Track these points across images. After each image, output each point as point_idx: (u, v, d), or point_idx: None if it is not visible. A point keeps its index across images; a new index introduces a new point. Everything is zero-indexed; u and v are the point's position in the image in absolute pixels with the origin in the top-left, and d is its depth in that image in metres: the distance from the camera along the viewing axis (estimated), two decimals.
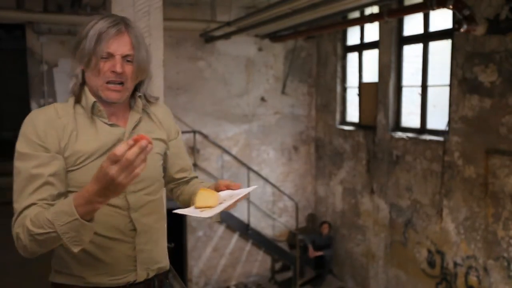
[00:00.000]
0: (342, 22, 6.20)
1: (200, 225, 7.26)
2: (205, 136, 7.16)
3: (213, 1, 6.18)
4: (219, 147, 7.22)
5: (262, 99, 7.62)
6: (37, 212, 1.19)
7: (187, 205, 1.51)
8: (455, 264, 5.15)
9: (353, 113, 7.20)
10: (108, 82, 1.31)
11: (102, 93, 1.32)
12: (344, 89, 7.37)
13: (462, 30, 4.28)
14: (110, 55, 1.29)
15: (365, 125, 6.69)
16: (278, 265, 7.87)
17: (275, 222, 7.78)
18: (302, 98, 7.89)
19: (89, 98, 1.34)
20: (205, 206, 1.27)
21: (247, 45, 7.35)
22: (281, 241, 7.79)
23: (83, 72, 1.35)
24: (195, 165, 6.96)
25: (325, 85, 7.68)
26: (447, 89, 5.21)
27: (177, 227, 7.04)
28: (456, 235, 5.11)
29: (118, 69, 1.29)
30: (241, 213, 7.15)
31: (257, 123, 7.62)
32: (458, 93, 4.99)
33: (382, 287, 6.39)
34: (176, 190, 1.62)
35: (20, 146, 1.29)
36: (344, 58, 7.31)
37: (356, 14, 6.29)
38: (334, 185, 7.52)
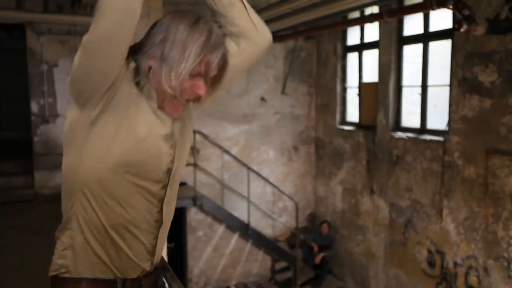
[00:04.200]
0: (342, 22, 6.20)
1: (200, 225, 7.27)
2: (205, 136, 7.15)
3: None
4: (219, 147, 7.22)
5: (262, 99, 7.62)
6: None
7: None
8: (455, 264, 5.15)
9: (353, 113, 7.20)
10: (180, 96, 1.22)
11: (167, 105, 1.24)
12: (344, 89, 7.37)
13: (462, 30, 4.28)
14: (200, 74, 1.21)
15: (365, 125, 6.69)
16: (278, 265, 7.87)
17: (275, 222, 7.78)
18: (302, 98, 7.89)
19: (154, 95, 1.24)
20: None
21: None
22: (281, 241, 7.79)
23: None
24: (195, 165, 6.96)
25: (325, 85, 7.68)
26: (447, 89, 5.21)
27: (177, 227, 7.04)
28: (456, 235, 5.11)
29: (203, 93, 1.23)
30: (241, 213, 7.16)
31: (257, 123, 7.62)
32: (458, 93, 4.99)
33: (382, 287, 6.39)
34: None
35: None
36: (344, 58, 7.31)
37: (356, 14, 6.30)
38: (334, 185, 7.52)
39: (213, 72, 1.23)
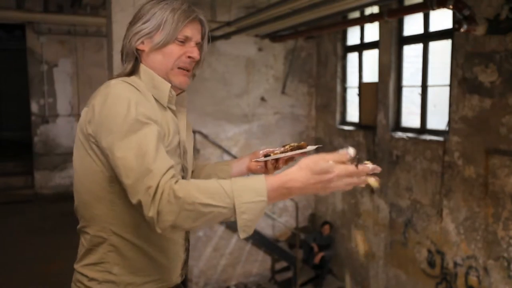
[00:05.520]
0: (342, 22, 6.20)
1: None
2: (205, 136, 7.15)
3: (213, 1, 6.18)
4: (219, 147, 7.22)
5: (262, 99, 7.62)
6: (200, 180, 1.07)
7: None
8: (455, 264, 5.15)
9: (353, 113, 7.19)
10: (178, 68, 1.29)
11: (174, 78, 1.29)
12: (344, 89, 7.37)
13: (462, 30, 4.28)
14: (188, 40, 1.28)
15: (365, 125, 6.69)
16: (278, 265, 7.87)
17: (275, 222, 7.78)
18: (302, 98, 7.89)
19: (161, 81, 1.28)
20: None
21: (247, 45, 7.35)
22: (281, 241, 7.79)
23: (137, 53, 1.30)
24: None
25: (325, 85, 7.68)
26: (447, 89, 5.21)
27: None
28: (456, 235, 5.11)
29: (197, 55, 1.29)
30: None
31: (257, 123, 7.62)
32: (458, 93, 4.99)
33: (382, 287, 6.39)
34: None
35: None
36: (344, 58, 7.31)
37: (356, 14, 6.29)
38: None
39: (199, 37, 1.32)
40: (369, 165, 1.04)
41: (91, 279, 1.23)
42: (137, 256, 1.23)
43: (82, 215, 1.27)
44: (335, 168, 1.00)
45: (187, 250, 1.39)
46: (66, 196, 6.03)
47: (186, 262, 1.39)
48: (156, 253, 1.26)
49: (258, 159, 1.38)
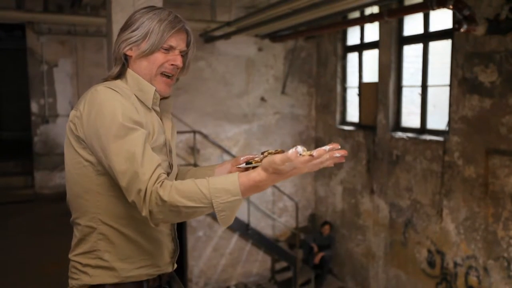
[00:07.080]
0: (342, 22, 6.20)
1: (200, 225, 7.26)
2: (205, 136, 7.16)
3: (213, 1, 6.18)
4: (219, 147, 7.22)
5: (262, 99, 7.62)
6: (181, 183, 1.17)
7: None
8: (455, 264, 5.15)
9: (353, 113, 7.19)
10: (161, 74, 1.37)
11: (157, 85, 1.37)
12: (344, 89, 7.37)
13: (462, 30, 4.28)
14: (172, 48, 1.36)
15: (365, 125, 6.69)
16: (278, 265, 7.87)
17: (275, 222, 7.78)
18: (302, 98, 7.89)
19: (146, 84, 1.36)
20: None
21: (247, 45, 7.35)
22: (281, 241, 7.79)
23: (125, 58, 1.39)
24: (195, 165, 6.96)
25: (325, 85, 7.67)
26: (447, 89, 5.21)
27: (177, 227, 7.03)
28: (456, 235, 5.11)
29: (180, 63, 1.37)
30: (241, 213, 7.15)
31: (257, 123, 7.62)
32: (458, 93, 4.99)
33: (382, 287, 6.39)
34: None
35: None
36: (344, 58, 7.30)
37: (356, 14, 6.29)
38: (334, 185, 7.51)
39: (184, 46, 1.39)
40: (325, 147, 1.12)
41: (85, 265, 1.33)
42: (125, 243, 1.32)
43: (73, 207, 1.38)
44: (292, 165, 1.10)
45: (174, 239, 1.47)
46: (66, 196, 6.03)
47: (175, 251, 1.47)
48: (143, 241, 1.35)
49: (239, 166, 1.43)
